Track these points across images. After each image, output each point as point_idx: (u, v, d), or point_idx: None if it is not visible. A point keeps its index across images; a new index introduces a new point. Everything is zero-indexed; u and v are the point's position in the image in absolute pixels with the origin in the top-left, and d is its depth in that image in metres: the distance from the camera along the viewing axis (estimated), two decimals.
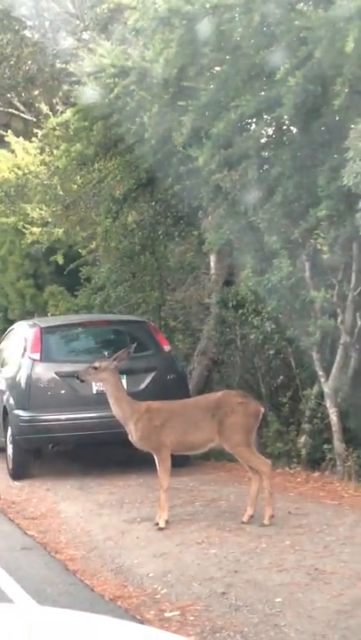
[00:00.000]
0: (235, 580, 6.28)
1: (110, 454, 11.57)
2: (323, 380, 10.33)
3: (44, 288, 20.22)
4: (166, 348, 11.43)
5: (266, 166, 10.09)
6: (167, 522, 7.90)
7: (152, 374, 10.95)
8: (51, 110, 18.63)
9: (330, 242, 9.33)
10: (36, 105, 19.41)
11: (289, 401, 11.03)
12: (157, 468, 8.09)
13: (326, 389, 10.27)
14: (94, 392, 10.77)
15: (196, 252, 14.31)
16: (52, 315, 17.56)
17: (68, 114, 11.24)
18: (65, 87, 14.31)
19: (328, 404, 10.24)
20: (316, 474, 10.23)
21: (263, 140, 9.91)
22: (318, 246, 9.23)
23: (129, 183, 11.85)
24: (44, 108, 18.25)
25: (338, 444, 10.10)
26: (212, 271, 14.33)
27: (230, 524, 7.87)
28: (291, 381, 11.22)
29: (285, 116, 8.76)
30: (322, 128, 9.33)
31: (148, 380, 10.88)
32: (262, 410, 8.10)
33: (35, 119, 19.93)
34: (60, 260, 18.43)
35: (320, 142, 9.41)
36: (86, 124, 10.99)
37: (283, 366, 11.42)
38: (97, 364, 8.23)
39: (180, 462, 9.85)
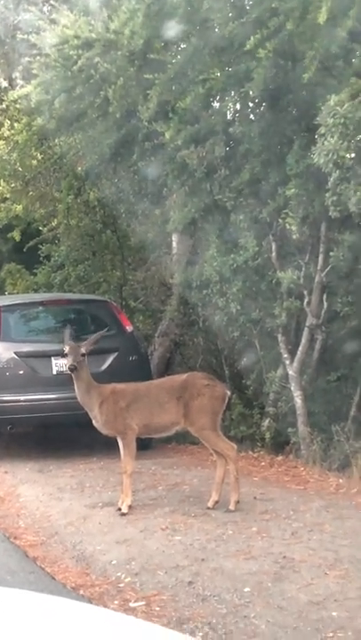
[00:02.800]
0: (201, 569, 6.08)
1: (70, 437, 11.33)
2: (288, 362, 10.16)
3: (2, 266, 19.82)
4: (128, 328, 11.18)
5: (233, 143, 9.86)
6: (130, 507, 7.68)
7: (114, 355, 10.70)
8: (10, 85, 18.20)
9: (298, 222, 9.11)
10: None
11: (253, 384, 10.83)
12: (121, 451, 7.85)
13: (291, 372, 10.10)
14: (54, 373, 10.53)
15: (158, 232, 14.04)
16: (9, 294, 17.17)
17: (30, 87, 10.88)
18: (26, 59, 13.90)
19: (293, 386, 10.07)
20: (280, 457, 10.07)
21: (231, 117, 9.65)
22: (287, 226, 9.00)
23: (92, 159, 11.52)
24: (3, 82, 17.83)
25: (302, 428, 9.94)
26: (174, 251, 14.08)
27: (195, 509, 7.67)
28: (255, 364, 11.02)
29: (254, 92, 8.50)
30: (291, 104, 9.12)
31: (109, 361, 10.63)
32: (229, 393, 7.89)
33: None
34: (18, 238, 18.04)
35: (289, 119, 9.21)
36: (48, 97, 10.64)
37: (247, 348, 11.21)
38: (84, 350, 7.92)
39: (143, 445, 9.65)
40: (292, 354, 10.14)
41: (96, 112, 11.00)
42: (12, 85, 17.98)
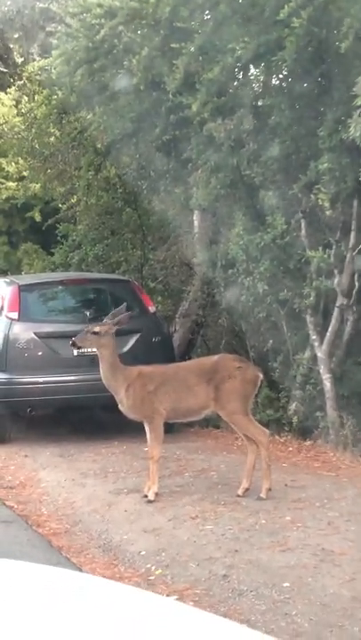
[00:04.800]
0: (236, 561, 5.76)
1: (91, 420, 11.03)
2: (316, 344, 9.82)
3: (18, 246, 19.51)
4: (151, 308, 10.84)
5: (262, 116, 9.47)
6: (157, 494, 7.37)
7: (136, 336, 10.35)
8: (25, 60, 17.84)
9: (330, 198, 8.73)
10: (12, 57, 18.62)
11: (279, 366, 10.48)
12: (148, 437, 7.54)
13: (320, 354, 9.76)
14: (75, 354, 10.19)
15: (179, 210, 13.68)
16: (26, 273, 16.84)
17: (51, 58, 10.52)
18: (47, 30, 13.56)
19: (322, 369, 9.74)
20: (308, 443, 9.74)
21: (259, 88, 9.27)
22: (320, 202, 8.60)
23: (113, 134, 11.15)
24: (19, 59, 17.49)
25: (331, 412, 9.61)
26: (196, 230, 13.72)
27: (224, 497, 7.35)
28: (281, 345, 10.67)
29: (287, 61, 8.10)
30: (325, 75, 8.72)
31: (131, 343, 10.29)
32: (261, 376, 7.56)
33: (8, 71, 19.16)
34: (38, 217, 17.74)
35: (322, 90, 8.81)
36: (69, 68, 10.28)
37: (273, 330, 10.87)
38: (97, 329, 7.59)
39: (165, 429, 9.36)
40: (321, 335, 9.79)
41: (119, 84, 10.65)
42: (27, 62, 17.61)
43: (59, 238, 17.11)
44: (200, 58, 9.01)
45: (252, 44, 8.55)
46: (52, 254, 18.26)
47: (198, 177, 10.32)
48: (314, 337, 9.81)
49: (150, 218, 13.59)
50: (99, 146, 11.69)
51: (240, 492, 7.33)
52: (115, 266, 13.96)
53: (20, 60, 16.29)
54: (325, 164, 8.50)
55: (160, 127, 10.54)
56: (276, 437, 9.98)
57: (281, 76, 9.23)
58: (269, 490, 7.25)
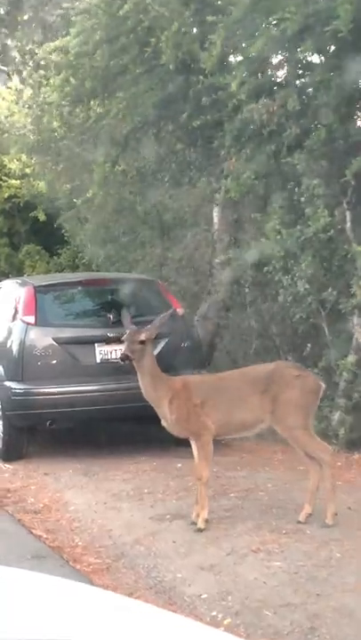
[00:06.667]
0: (320, 609, 4.85)
1: (115, 433, 10.09)
2: None
3: (20, 247, 18.63)
4: (179, 310, 9.89)
5: (305, 98, 8.59)
6: (207, 521, 6.45)
7: (164, 341, 9.37)
8: (23, 57, 16.98)
9: None
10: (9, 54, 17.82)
11: (321, 372, 9.57)
12: (195, 455, 6.62)
13: None
14: (98, 361, 9.31)
15: (200, 205, 12.81)
16: (28, 276, 15.89)
17: (69, 37, 9.62)
18: (59, 11, 12.64)
19: None
20: (358, 456, 8.86)
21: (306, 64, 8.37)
22: None
23: (133, 121, 10.24)
24: (20, 49, 16.63)
25: None
26: (215, 227, 12.84)
27: (283, 523, 6.45)
28: (322, 349, 9.79)
29: (343, 31, 7.21)
30: None
31: (160, 348, 9.24)
32: (323, 386, 6.66)
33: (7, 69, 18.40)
34: (42, 217, 16.84)
35: None
36: (88, 48, 9.38)
37: (312, 332, 10.00)
38: (144, 336, 6.67)
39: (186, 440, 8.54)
40: None
41: (141, 67, 9.78)
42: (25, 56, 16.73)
43: (66, 238, 16.27)
44: (238, 32, 8.10)
45: (299, 15, 7.66)
46: (56, 255, 17.42)
47: (232, 166, 9.41)
48: None
49: (170, 214, 12.69)
50: (119, 134, 10.75)
51: (302, 517, 6.43)
52: (130, 266, 13.05)
53: (28, 47, 15.33)
54: None
55: (188, 112, 9.65)
56: None
57: (331, 50, 8.29)
58: (335, 515, 6.35)
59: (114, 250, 14.00)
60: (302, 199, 9.06)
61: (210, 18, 8.08)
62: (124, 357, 6.58)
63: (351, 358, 9.27)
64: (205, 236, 13.07)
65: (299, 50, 7.89)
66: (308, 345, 10.06)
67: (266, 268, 9.65)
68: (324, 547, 5.87)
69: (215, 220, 12.81)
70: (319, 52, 7.99)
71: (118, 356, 9.28)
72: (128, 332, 6.68)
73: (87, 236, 14.76)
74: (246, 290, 10.84)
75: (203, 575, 5.53)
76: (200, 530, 6.36)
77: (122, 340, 6.89)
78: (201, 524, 6.38)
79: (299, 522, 6.41)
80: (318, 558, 5.63)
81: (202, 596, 5.22)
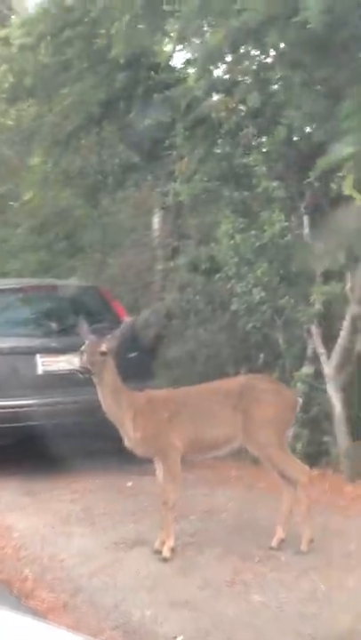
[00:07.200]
0: None
1: (58, 449, 9.42)
2: (323, 358, 8.51)
3: None
4: (126, 319, 9.32)
5: (264, 95, 8.10)
6: (172, 549, 5.91)
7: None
8: None
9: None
10: None
11: None
12: (160, 477, 6.07)
13: (328, 370, 8.46)
14: (40, 372, 8.72)
15: (141, 209, 12.30)
16: None
17: (11, 28, 9.02)
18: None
19: (330, 387, 8.43)
20: (317, 472, 8.39)
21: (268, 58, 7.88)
22: (347, 192, 7.22)
23: (78, 118, 9.66)
24: None
25: (343, 437, 8.32)
26: (156, 233, 12.35)
27: (254, 549, 5.93)
28: (277, 360, 9.34)
29: (313, 22, 6.74)
30: (352, 41, 7.38)
31: None
32: (300, 400, 6.19)
33: None
34: None
35: (345, 60, 7.48)
36: (32, 40, 8.79)
37: (265, 342, 9.53)
38: (104, 347, 6.09)
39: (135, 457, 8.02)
40: (329, 348, 8.50)
41: (87, 62, 9.23)
42: None
43: None
44: (198, 22, 7.57)
45: (264, 4, 7.17)
46: None
47: (184, 167, 8.90)
48: (321, 350, 8.51)
49: (111, 217, 12.14)
50: (59, 136, 10.14)
51: (274, 543, 5.93)
52: (67, 273, 12.43)
53: None
54: (350, 149, 7.16)
55: (135, 110, 9.13)
56: None
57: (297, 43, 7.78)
58: (312, 541, 5.87)
59: (49, 256, 13.38)
60: (258, 203, 8.61)
61: (166, 7, 7.55)
62: (85, 370, 6.00)
63: (306, 369, 8.85)
64: (148, 242, 12.56)
65: (262, 42, 7.38)
66: (261, 355, 9.59)
67: (218, 275, 9.17)
68: (303, 576, 5.37)
69: (157, 225, 12.32)
70: (284, 46, 7.49)
71: (62, 367, 8.81)
72: (88, 342, 6.10)
73: (19, 242, 14.10)
74: (197, 297, 10.31)
75: (176, 612, 4.97)
76: (165, 559, 5.80)
77: (81, 351, 6.25)
78: (167, 553, 5.83)
79: (271, 548, 5.91)
80: (301, 591, 5.12)
81: (177, 638, 4.67)
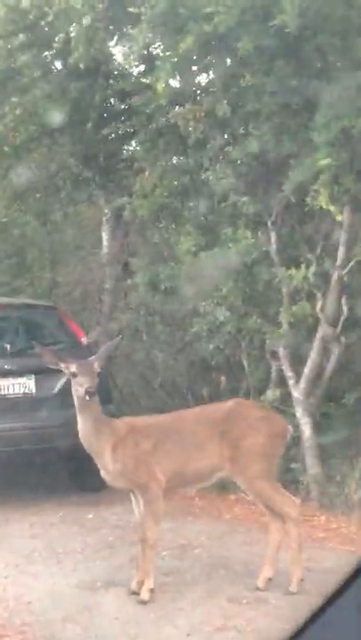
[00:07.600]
0: None
1: (9, 477, 8.87)
2: (292, 382, 8.15)
3: None
4: (84, 340, 8.84)
5: (233, 105, 7.73)
6: (152, 591, 5.43)
7: (66, 376, 8.29)
8: None
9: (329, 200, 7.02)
10: None
11: None
12: (139, 511, 5.58)
13: (296, 394, 8.10)
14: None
15: (92, 225, 11.85)
16: None
17: None
18: None
19: (299, 412, 8.07)
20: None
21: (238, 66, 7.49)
22: (323, 206, 6.87)
23: (28, 130, 9.17)
24: None
25: (313, 465, 7.96)
26: (105, 250, 11.86)
27: (239, 590, 5.51)
28: (240, 383, 8.96)
29: (289, 26, 6.41)
30: (326, 48, 7.07)
31: (61, 383, 8.10)
32: (290, 429, 5.77)
33: None
34: None
35: (318, 68, 7.17)
36: None
37: (228, 365, 9.15)
38: (97, 367, 5.60)
39: (94, 487, 7.60)
40: (297, 372, 8.14)
41: (40, 69, 8.77)
42: None
43: None
44: (165, 26, 7.17)
45: (236, 9, 6.81)
46: None
47: (145, 180, 8.47)
48: (290, 374, 8.14)
49: (61, 234, 11.65)
50: (6, 148, 9.62)
51: (261, 583, 5.50)
52: (15, 292, 11.86)
53: None
54: (326, 160, 6.82)
55: (92, 121, 8.68)
56: (242, 495, 8.15)
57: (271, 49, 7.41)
58: (302, 580, 5.45)
59: None
60: (222, 218, 8.25)
61: (131, 9, 7.13)
62: (93, 392, 5.44)
63: (272, 393, 8.47)
64: (97, 259, 12.07)
65: (233, 48, 7.00)
66: (223, 378, 9.19)
67: (174, 295, 8.78)
68: (297, 620, 4.93)
69: (105, 242, 11.86)
70: (256, 52, 7.12)
71: (16, 390, 8.26)
72: (83, 363, 5.57)
73: None
74: (154, 318, 9.87)
75: None
76: (144, 602, 5.33)
77: (73, 373, 5.66)
78: (145, 595, 5.36)
79: (258, 588, 5.48)
80: None
81: None
